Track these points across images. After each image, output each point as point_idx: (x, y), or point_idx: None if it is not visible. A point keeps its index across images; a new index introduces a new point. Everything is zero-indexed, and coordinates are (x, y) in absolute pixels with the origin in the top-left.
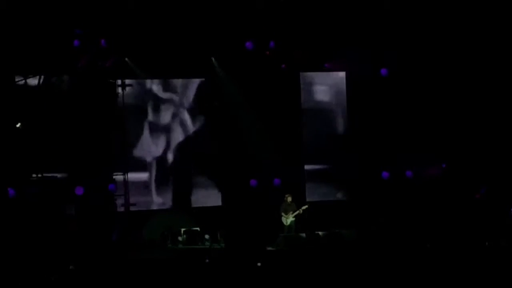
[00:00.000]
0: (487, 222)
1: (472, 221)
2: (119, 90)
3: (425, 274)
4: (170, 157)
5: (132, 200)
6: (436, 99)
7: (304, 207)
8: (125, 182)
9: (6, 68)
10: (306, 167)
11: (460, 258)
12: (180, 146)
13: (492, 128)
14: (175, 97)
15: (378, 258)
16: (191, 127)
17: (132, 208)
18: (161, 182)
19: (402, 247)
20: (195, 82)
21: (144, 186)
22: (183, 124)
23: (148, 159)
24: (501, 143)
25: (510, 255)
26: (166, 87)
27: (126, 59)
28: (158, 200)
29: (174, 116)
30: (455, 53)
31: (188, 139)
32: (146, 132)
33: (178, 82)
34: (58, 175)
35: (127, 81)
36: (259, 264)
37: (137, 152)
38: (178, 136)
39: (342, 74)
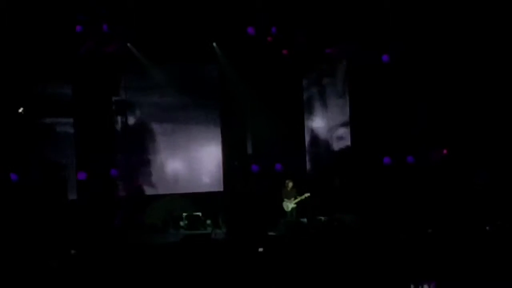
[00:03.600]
0: (489, 207)
1: (474, 206)
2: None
3: (426, 259)
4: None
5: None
6: (438, 84)
7: (306, 195)
8: (128, 167)
9: (7, 54)
10: None
11: (461, 243)
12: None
13: (493, 114)
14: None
15: (379, 244)
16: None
17: (133, 193)
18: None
19: (403, 233)
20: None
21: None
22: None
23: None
24: (503, 128)
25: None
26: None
27: (129, 44)
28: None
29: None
30: (457, 38)
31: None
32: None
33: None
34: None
35: None
36: (261, 249)
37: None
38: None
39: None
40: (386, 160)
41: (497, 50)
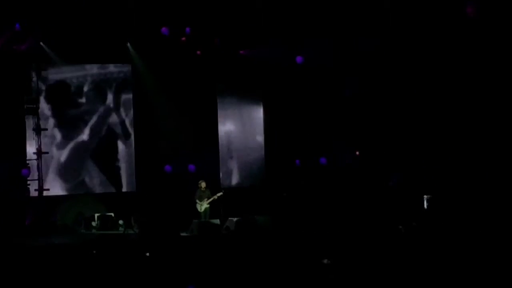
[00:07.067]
0: (400, 208)
1: (386, 207)
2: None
3: (334, 258)
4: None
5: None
6: (350, 87)
7: (219, 194)
8: (39, 167)
9: None
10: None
11: (374, 243)
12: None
13: (404, 117)
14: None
15: (290, 243)
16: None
17: (45, 193)
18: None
19: (315, 232)
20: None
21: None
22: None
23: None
24: (414, 131)
25: (422, 237)
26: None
27: (41, 43)
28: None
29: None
30: (371, 40)
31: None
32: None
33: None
34: None
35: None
36: (172, 250)
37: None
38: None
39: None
40: (298, 162)
41: (413, 57)
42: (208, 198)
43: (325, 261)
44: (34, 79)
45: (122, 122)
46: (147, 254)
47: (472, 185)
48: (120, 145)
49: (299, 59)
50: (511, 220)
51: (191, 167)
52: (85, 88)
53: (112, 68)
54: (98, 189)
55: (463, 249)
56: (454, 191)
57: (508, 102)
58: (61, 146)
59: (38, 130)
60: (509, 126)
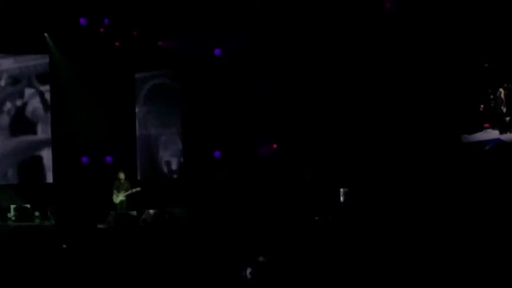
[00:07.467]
0: (317, 200)
1: (303, 199)
2: None
3: (257, 252)
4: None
5: None
6: (268, 79)
7: (136, 189)
8: None
9: None
10: None
11: (291, 233)
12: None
13: (322, 110)
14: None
15: (208, 236)
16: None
17: None
18: None
19: (237, 224)
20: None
21: None
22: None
23: None
24: (331, 124)
25: (337, 228)
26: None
27: None
28: None
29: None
30: (284, 34)
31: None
32: None
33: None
34: None
35: None
36: (89, 242)
37: None
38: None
39: None
40: (217, 154)
41: (331, 45)
42: (126, 191)
43: (261, 258)
44: None
45: (40, 114)
46: (64, 246)
47: (389, 179)
48: (38, 137)
49: (217, 51)
50: (428, 215)
51: (109, 158)
52: (2, 81)
53: (29, 58)
54: (14, 180)
55: (379, 242)
56: (371, 184)
57: (423, 98)
58: None
59: None
60: (426, 122)
